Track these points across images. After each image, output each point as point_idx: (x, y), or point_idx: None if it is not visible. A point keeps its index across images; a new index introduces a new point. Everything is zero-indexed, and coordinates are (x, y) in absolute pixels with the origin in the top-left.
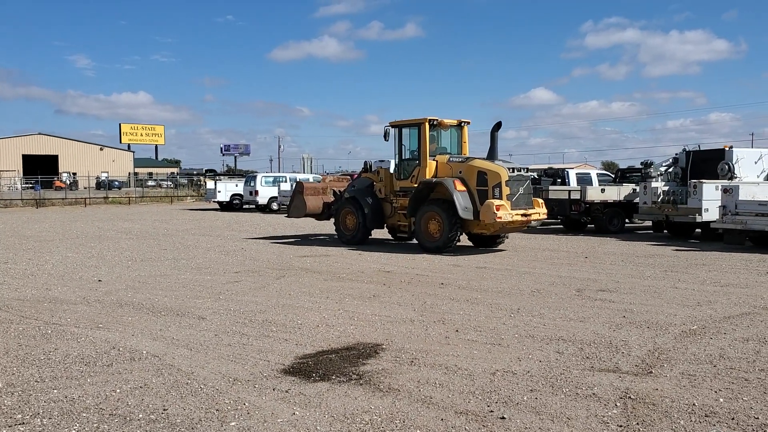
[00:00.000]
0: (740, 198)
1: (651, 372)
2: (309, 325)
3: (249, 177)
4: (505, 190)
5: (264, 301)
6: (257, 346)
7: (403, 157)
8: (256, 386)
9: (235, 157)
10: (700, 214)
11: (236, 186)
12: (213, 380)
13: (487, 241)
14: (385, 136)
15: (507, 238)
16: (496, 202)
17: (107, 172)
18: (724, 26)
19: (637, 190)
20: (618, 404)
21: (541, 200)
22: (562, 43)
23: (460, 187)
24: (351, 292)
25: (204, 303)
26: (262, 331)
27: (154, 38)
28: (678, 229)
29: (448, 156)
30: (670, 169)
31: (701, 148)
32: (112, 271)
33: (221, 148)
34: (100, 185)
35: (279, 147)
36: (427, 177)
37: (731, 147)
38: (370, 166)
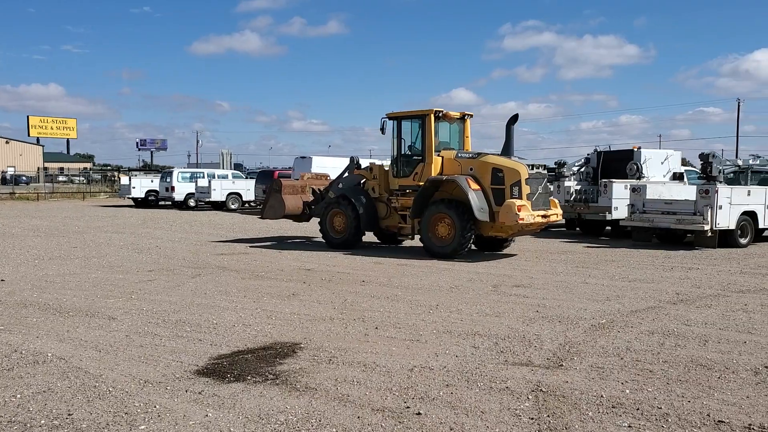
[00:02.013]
0: (647, 197)
1: (562, 365)
2: (225, 325)
3: (165, 172)
4: (525, 189)
5: (178, 300)
6: (170, 346)
7: (402, 152)
8: (168, 388)
9: (152, 152)
10: (610, 213)
11: (152, 182)
12: (122, 383)
13: (494, 244)
14: (382, 129)
15: (514, 241)
16: (518, 202)
17: (14, 167)
18: (634, 32)
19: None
20: (530, 397)
21: (556, 200)
22: (481, 45)
23: (474, 185)
24: (269, 291)
25: (115, 303)
26: (176, 331)
27: (66, 28)
28: (589, 226)
29: (454, 151)
30: (582, 169)
31: (612, 149)
32: (17, 270)
33: (137, 143)
34: (5, 180)
35: (197, 142)
36: (433, 174)
37: (639, 148)
38: (358, 162)
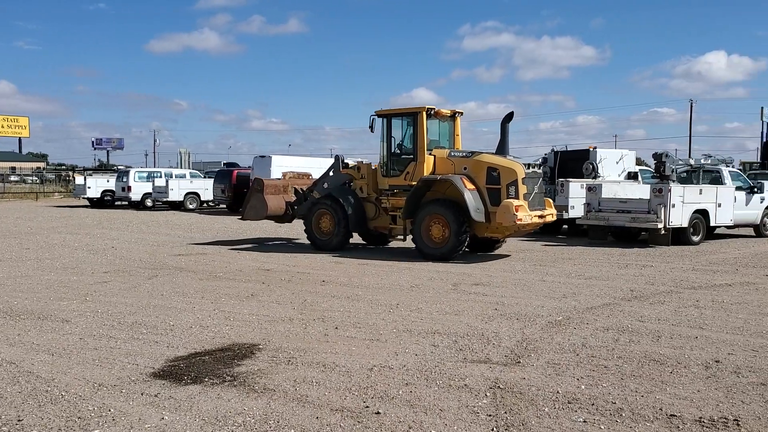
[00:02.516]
0: (603, 196)
1: (519, 362)
2: (182, 327)
3: (121, 172)
4: (522, 189)
5: (134, 302)
6: (125, 349)
7: (392, 151)
8: (123, 391)
9: (108, 151)
10: (567, 211)
11: (107, 182)
12: (76, 386)
13: (487, 245)
14: (371, 127)
15: (506, 241)
16: (515, 202)
17: None
18: (591, 33)
19: None
20: (488, 394)
21: (551, 200)
22: (441, 45)
23: (469, 185)
24: (228, 292)
25: (69, 305)
26: (132, 333)
27: (17, 23)
28: (547, 225)
29: (447, 150)
30: (540, 169)
31: (568, 149)
32: None
33: (93, 142)
34: None
35: (155, 141)
36: (426, 174)
37: (595, 148)
38: (343, 160)
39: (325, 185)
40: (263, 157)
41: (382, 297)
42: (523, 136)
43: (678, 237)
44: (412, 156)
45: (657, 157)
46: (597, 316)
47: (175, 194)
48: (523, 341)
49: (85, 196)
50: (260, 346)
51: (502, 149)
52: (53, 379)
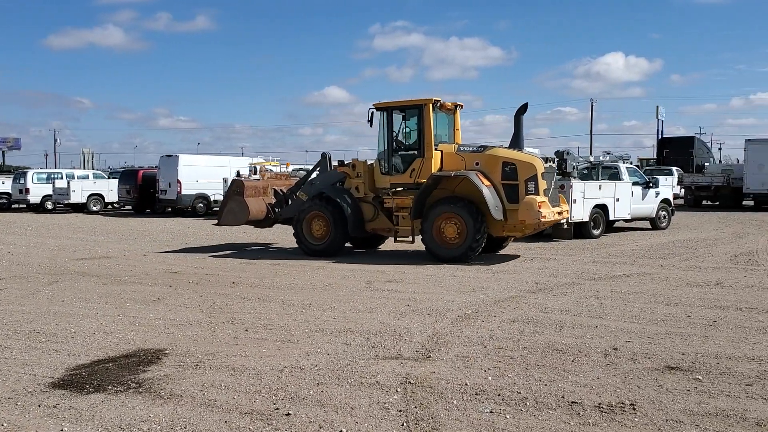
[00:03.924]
0: None
1: (430, 356)
2: (84, 333)
3: (18, 173)
4: (542, 184)
5: (32, 309)
6: (22, 359)
7: (394, 147)
8: (19, 404)
9: (3, 151)
10: None
11: (2, 183)
12: None
13: (492, 245)
14: (370, 121)
15: (512, 240)
16: (538, 198)
17: None
18: (497, 35)
19: None
20: (399, 390)
21: (564, 196)
22: (351, 44)
23: (486, 181)
24: (133, 296)
25: None
26: (29, 342)
27: None
28: None
29: (454, 144)
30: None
31: None
32: None
33: None
34: None
35: (55, 141)
36: (433, 170)
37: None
38: (330, 159)
39: (313, 184)
40: (170, 156)
41: (294, 297)
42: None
43: (580, 231)
44: (417, 152)
45: (559, 154)
46: (504, 308)
47: (78, 196)
48: (434, 336)
49: None
50: (167, 351)
51: (516, 142)
52: None
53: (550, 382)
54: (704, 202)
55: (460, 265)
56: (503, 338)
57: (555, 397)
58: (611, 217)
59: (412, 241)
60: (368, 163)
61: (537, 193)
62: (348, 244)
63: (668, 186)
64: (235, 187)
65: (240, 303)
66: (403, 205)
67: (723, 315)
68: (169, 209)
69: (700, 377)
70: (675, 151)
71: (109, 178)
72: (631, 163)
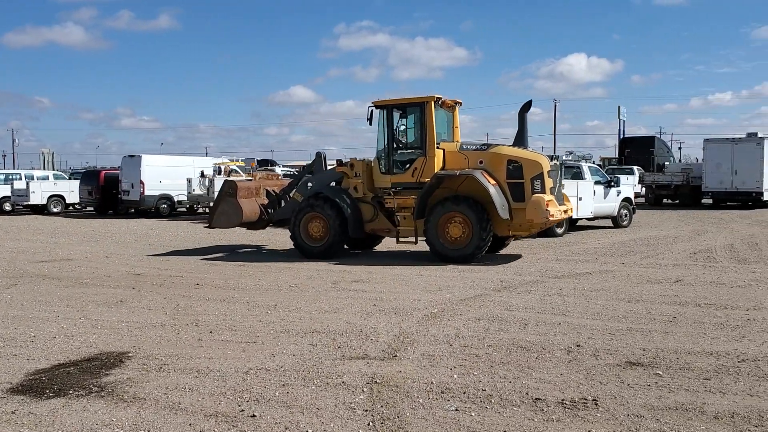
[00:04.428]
0: None
1: (396, 356)
2: (44, 337)
3: None
4: (548, 183)
5: None
6: None
7: (395, 145)
8: None
9: None
10: None
11: None
12: None
13: (496, 244)
14: (369, 119)
15: (512, 239)
16: (546, 197)
17: None
18: (462, 35)
19: None
20: (365, 389)
21: (567, 194)
22: (317, 43)
23: (491, 180)
24: (95, 299)
25: None
26: None
27: None
28: None
29: (457, 143)
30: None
31: None
32: None
33: None
34: None
35: (13, 141)
36: (436, 169)
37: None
38: (325, 158)
39: (309, 185)
40: (133, 156)
41: (259, 298)
42: None
43: (544, 229)
44: (419, 150)
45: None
46: (469, 307)
47: (38, 197)
48: (401, 335)
49: None
50: (130, 354)
51: (520, 140)
52: None
53: (515, 379)
54: (665, 201)
55: (427, 265)
56: (469, 336)
57: (519, 393)
58: (574, 216)
59: (416, 242)
60: (367, 161)
61: (543, 191)
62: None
63: (630, 185)
64: (228, 188)
65: (204, 305)
66: (405, 205)
67: (682, 311)
68: (132, 210)
69: (661, 372)
70: (636, 151)
71: (70, 178)
72: (593, 163)
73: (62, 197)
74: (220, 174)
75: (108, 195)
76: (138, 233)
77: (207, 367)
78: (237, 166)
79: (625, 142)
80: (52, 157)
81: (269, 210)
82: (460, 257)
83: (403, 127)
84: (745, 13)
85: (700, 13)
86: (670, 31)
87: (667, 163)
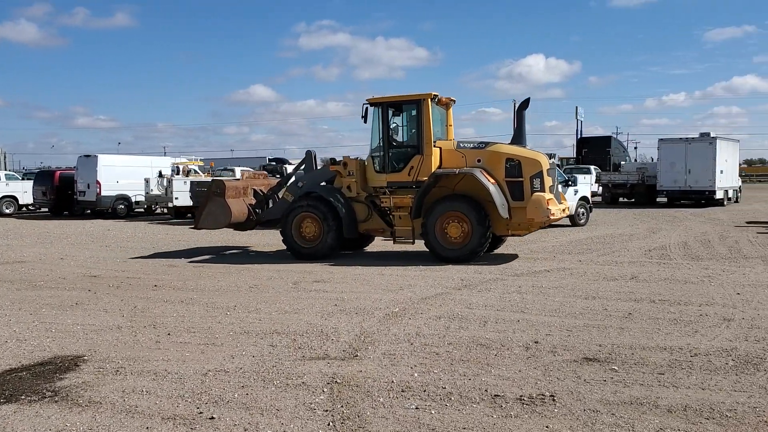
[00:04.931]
0: None
1: (357, 355)
2: None
3: None
4: (548, 181)
5: None
6: None
7: (389, 143)
8: None
9: None
10: None
11: None
12: None
13: (491, 243)
14: (364, 116)
15: (507, 239)
16: (546, 195)
17: None
18: (423, 35)
19: None
20: (325, 390)
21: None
22: (276, 42)
23: (491, 179)
24: (49, 301)
25: None
26: None
27: None
28: None
29: (453, 141)
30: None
31: None
32: None
33: None
34: None
35: None
36: (433, 168)
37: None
38: (315, 157)
39: (300, 185)
40: (89, 156)
41: (219, 299)
42: (364, 134)
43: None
44: (415, 149)
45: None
46: (430, 305)
47: None
48: (362, 335)
49: None
50: (85, 358)
51: (519, 139)
52: None
53: (474, 376)
54: (621, 200)
55: (388, 264)
56: (429, 335)
57: (479, 390)
58: None
59: (413, 242)
60: (360, 160)
61: (543, 190)
62: None
63: (587, 184)
64: (215, 188)
65: (162, 306)
66: (401, 204)
67: (637, 307)
68: (88, 211)
69: (616, 367)
70: (593, 151)
71: (23, 179)
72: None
73: (15, 198)
74: (178, 174)
75: (63, 196)
76: (94, 234)
77: (165, 369)
78: (196, 166)
79: (583, 142)
80: (5, 157)
81: (257, 210)
82: (460, 257)
83: (398, 125)
84: (698, 16)
85: (654, 16)
86: (626, 33)
87: (623, 163)
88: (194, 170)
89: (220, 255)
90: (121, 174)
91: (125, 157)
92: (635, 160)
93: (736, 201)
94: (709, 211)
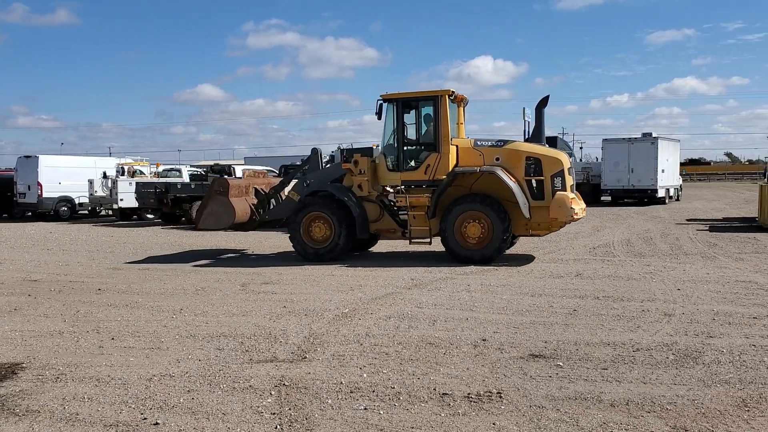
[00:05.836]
0: None
1: (305, 357)
2: None
3: None
4: (569, 180)
5: None
6: None
7: (405, 141)
8: None
9: None
10: None
11: None
12: None
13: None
14: (378, 113)
15: (518, 238)
16: (569, 194)
17: None
18: (372, 36)
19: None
20: (273, 393)
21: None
22: (224, 42)
23: (512, 177)
24: None
25: None
26: None
27: None
28: None
29: (471, 139)
30: (328, 165)
31: (354, 147)
32: None
33: None
34: None
35: None
36: (450, 166)
37: (377, 145)
38: (321, 155)
39: (307, 183)
40: (29, 157)
41: (164, 303)
42: (313, 133)
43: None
44: (432, 147)
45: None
46: (380, 305)
47: None
48: (311, 336)
49: None
50: (24, 365)
51: (537, 137)
52: None
53: (423, 376)
54: None
55: (338, 265)
56: (379, 335)
57: (427, 389)
58: None
59: (430, 242)
60: (371, 158)
61: (565, 189)
62: None
63: None
64: (218, 186)
65: (106, 310)
66: (417, 203)
67: (582, 304)
68: (29, 213)
69: (561, 363)
70: None
71: None
72: None
73: None
74: (123, 175)
75: (2, 198)
76: (35, 237)
77: (108, 375)
78: (141, 167)
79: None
80: None
81: (259, 210)
82: (480, 258)
83: (418, 122)
84: (640, 19)
85: (598, 19)
86: (570, 35)
87: None
88: (139, 171)
89: (167, 257)
90: (64, 175)
91: (68, 158)
92: (581, 160)
93: (677, 199)
94: (652, 210)
